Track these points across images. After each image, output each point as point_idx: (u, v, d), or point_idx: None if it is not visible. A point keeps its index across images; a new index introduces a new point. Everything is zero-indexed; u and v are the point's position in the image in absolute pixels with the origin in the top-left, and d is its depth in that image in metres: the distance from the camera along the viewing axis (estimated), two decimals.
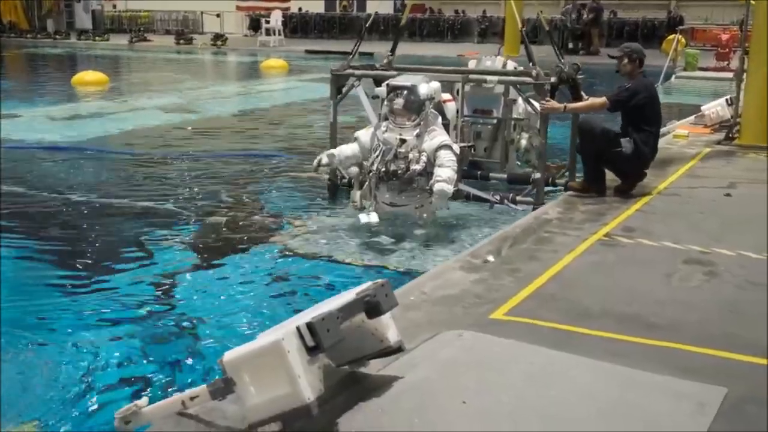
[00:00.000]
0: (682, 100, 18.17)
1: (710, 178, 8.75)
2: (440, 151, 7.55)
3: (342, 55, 31.63)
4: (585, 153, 8.02)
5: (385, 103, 7.86)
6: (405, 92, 7.73)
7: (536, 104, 8.22)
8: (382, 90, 8.05)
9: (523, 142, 9.25)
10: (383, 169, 7.60)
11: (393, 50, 9.49)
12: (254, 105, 19.19)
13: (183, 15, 45.53)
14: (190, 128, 14.88)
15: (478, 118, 9.13)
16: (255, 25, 40.65)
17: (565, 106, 8.02)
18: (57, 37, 42.03)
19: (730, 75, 16.03)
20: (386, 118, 7.83)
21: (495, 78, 8.42)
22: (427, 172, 7.56)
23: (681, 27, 26.75)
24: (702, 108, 12.55)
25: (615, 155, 7.72)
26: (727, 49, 22.45)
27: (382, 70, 9.11)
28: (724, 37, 22.90)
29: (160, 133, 14.46)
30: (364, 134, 7.96)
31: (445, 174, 7.43)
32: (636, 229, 6.75)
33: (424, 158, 7.56)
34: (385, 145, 7.68)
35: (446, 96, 8.41)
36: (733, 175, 8.93)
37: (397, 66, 9.31)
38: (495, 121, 9.04)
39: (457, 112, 8.35)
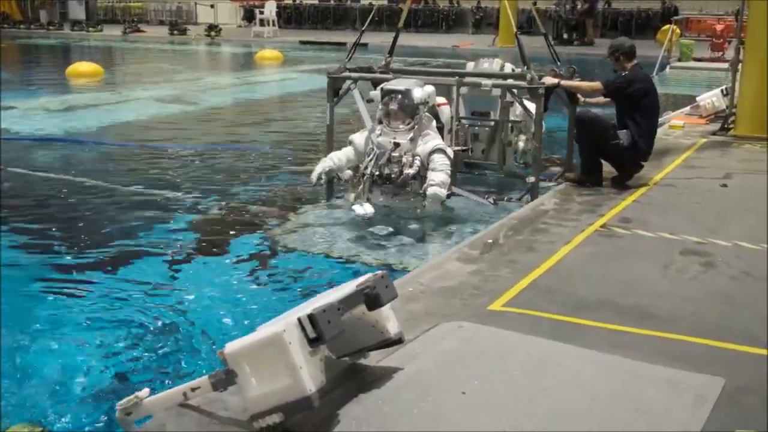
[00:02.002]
0: (677, 91, 18.20)
1: (706, 169, 8.78)
2: (434, 155, 7.59)
3: (336, 46, 31.91)
4: (582, 144, 8.03)
5: (380, 106, 7.88)
6: (399, 96, 7.75)
7: (531, 108, 8.25)
8: (376, 93, 8.07)
9: (521, 144, 9.26)
10: (377, 173, 7.63)
11: (391, 52, 9.44)
12: (249, 96, 19.16)
13: (176, 6, 45.39)
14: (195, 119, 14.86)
15: (476, 120, 9.12)
16: (249, 16, 40.59)
17: (559, 82, 8.05)
18: (50, 28, 41.91)
19: (725, 65, 16.08)
20: (381, 122, 7.86)
21: (489, 82, 8.41)
22: (421, 176, 7.61)
23: (675, 17, 26.72)
24: (697, 99, 12.58)
25: (612, 147, 7.74)
26: (721, 40, 22.48)
27: (380, 72, 9.10)
28: (719, 27, 22.92)
29: (155, 125, 14.44)
30: (359, 137, 8.01)
31: (439, 178, 7.48)
32: (632, 220, 6.78)
33: (417, 162, 7.60)
34: (379, 149, 7.72)
35: (441, 99, 8.42)
36: (728, 165, 8.96)
37: (395, 68, 9.30)
38: (492, 123, 9.03)
39: (452, 117, 8.35)
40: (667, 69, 21.57)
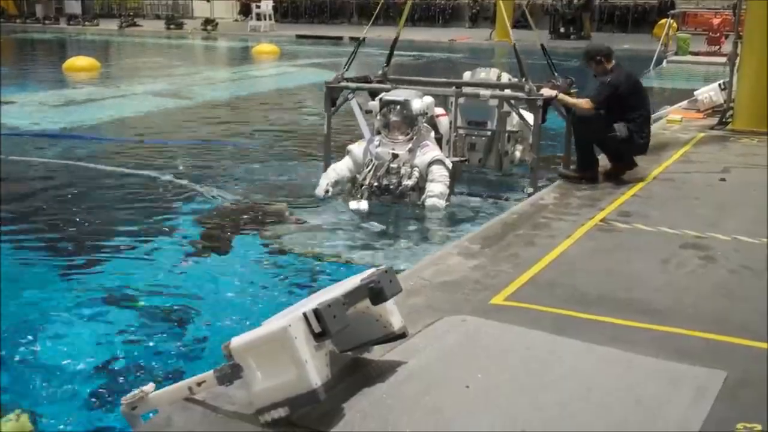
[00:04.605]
0: (675, 85, 18.22)
1: (704, 163, 8.81)
2: (432, 166, 7.66)
3: (332, 40, 31.85)
4: (578, 139, 8.05)
5: (378, 117, 7.90)
6: (398, 107, 7.78)
7: (529, 118, 8.27)
8: (375, 104, 8.09)
9: (517, 154, 9.32)
10: (375, 184, 7.67)
11: (388, 61, 9.44)
12: (247, 91, 19.15)
13: (173, 0, 45.29)
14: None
15: (473, 129, 9.13)
16: (245, 10, 40.51)
17: (557, 94, 8.05)
18: (46, 22, 41.87)
19: (722, 59, 16.12)
20: (379, 133, 7.88)
21: (488, 93, 8.42)
22: (419, 187, 7.64)
23: (672, 11, 26.75)
24: (695, 93, 12.59)
25: (610, 139, 7.74)
26: (718, 34, 22.49)
27: (378, 81, 9.10)
28: (716, 21, 22.94)
29: (152, 119, 14.44)
30: (357, 148, 8.07)
31: (437, 189, 7.56)
32: (632, 214, 6.80)
33: (416, 173, 7.67)
34: (377, 160, 7.76)
35: (439, 110, 8.47)
36: (727, 160, 8.99)
37: (392, 78, 9.32)
38: (490, 132, 9.05)
39: (451, 124, 8.37)
40: (664, 63, 21.60)
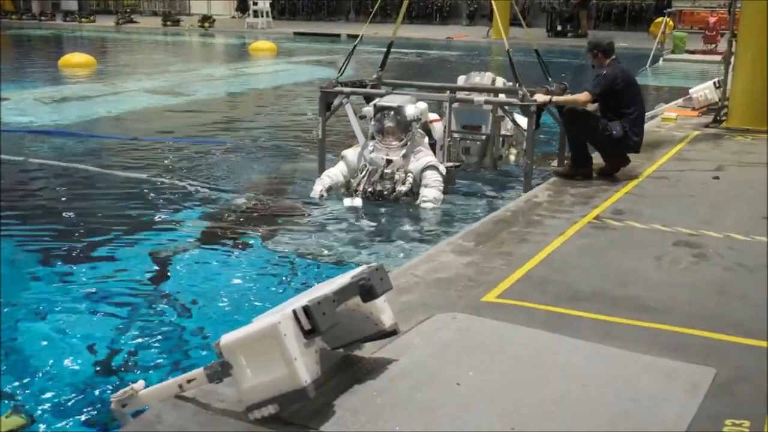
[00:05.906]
0: (670, 83, 18.23)
1: (699, 161, 8.81)
2: (426, 172, 7.68)
3: (330, 38, 31.85)
4: (572, 136, 8.05)
5: (372, 123, 7.91)
6: (392, 113, 7.78)
7: (522, 123, 8.27)
8: (369, 110, 8.09)
9: (512, 158, 9.32)
10: (369, 189, 7.67)
11: (383, 65, 9.43)
12: (243, 88, 19.13)
13: None
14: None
15: (467, 133, 9.13)
16: (243, 7, 40.52)
17: (551, 99, 8.06)
18: (42, 18, 41.85)
19: (718, 57, 16.15)
20: (373, 138, 7.88)
21: (482, 98, 8.42)
22: (413, 193, 7.64)
23: (669, 10, 26.78)
24: (690, 91, 12.62)
25: (605, 137, 7.74)
26: (714, 32, 22.54)
27: (372, 86, 9.09)
28: (712, 19, 22.99)
29: (148, 116, 14.41)
30: (351, 153, 8.08)
31: (432, 194, 7.59)
32: (625, 211, 6.80)
33: (410, 179, 7.68)
34: (371, 165, 7.76)
35: (433, 116, 8.47)
36: (721, 157, 9.00)
37: (387, 82, 9.29)
38: (484, 137, 9.05)
39: (445, 130, 8.36)
40: (660, 61, 21.63)
